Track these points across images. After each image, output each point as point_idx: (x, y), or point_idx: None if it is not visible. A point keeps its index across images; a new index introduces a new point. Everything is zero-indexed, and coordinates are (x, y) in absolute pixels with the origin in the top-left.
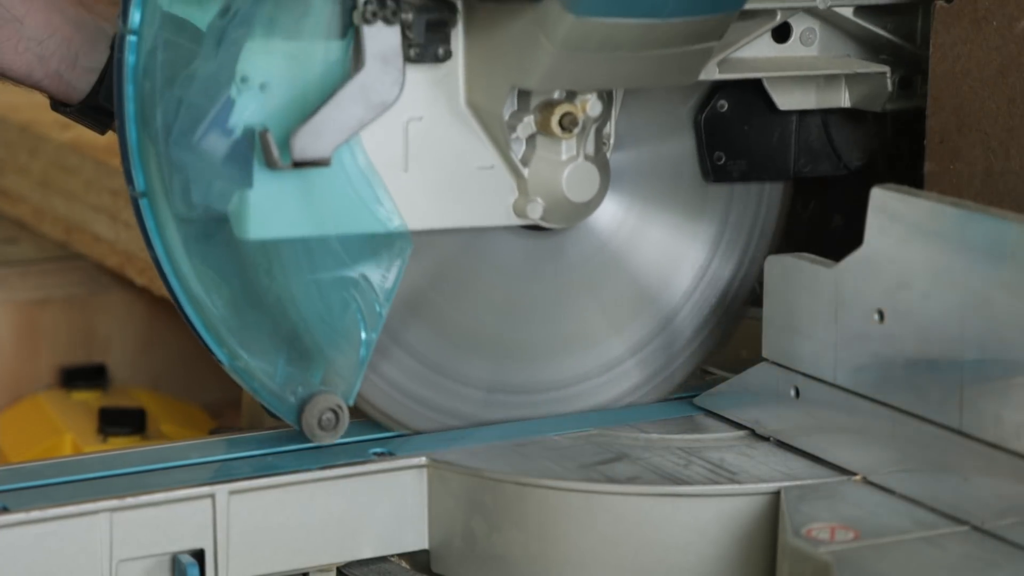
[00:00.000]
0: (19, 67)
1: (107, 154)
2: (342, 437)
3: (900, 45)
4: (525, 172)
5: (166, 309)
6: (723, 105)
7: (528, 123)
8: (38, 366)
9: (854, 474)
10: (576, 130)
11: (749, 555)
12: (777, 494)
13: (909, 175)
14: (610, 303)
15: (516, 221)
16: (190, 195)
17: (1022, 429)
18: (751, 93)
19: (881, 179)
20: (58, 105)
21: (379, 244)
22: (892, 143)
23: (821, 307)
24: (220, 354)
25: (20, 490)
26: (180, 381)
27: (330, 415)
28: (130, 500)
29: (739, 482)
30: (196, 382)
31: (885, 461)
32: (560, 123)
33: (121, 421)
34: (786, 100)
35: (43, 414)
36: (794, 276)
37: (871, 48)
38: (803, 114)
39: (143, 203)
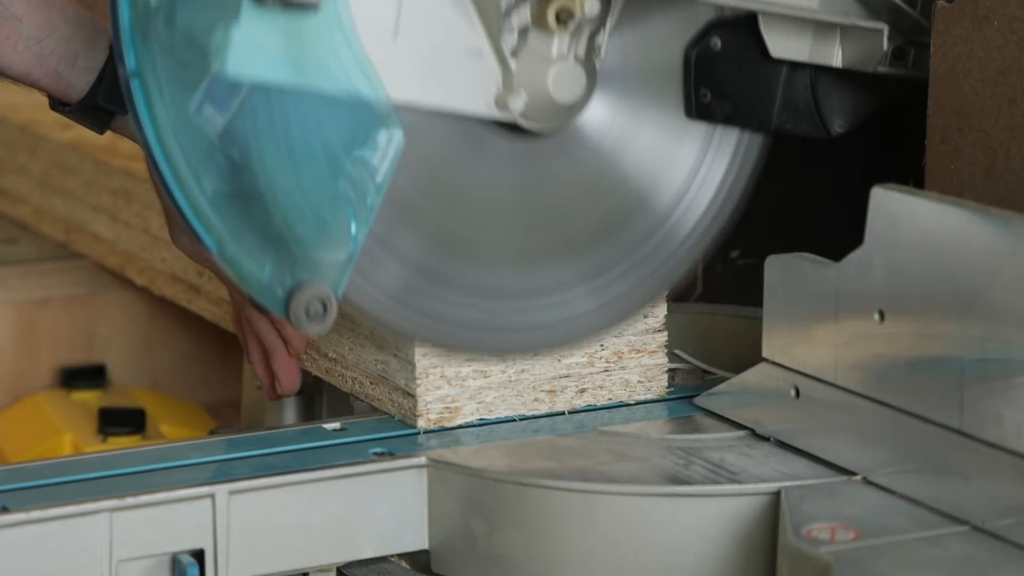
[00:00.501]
0: (18, 65)
1: (107, 154)
2: (343, 437)
3: (901, 8)
4: (512, 64)
5: (166, 309)
6: (716, 43)
7: (523, 13)
8: (38, 366)
9: (854, 474)
10: (571, 26)
11: (749, 555)
12: (777, 494)
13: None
14: (600, 205)
15: (496, 113)
16: (175, 19)
17: (1023, 429)
18: (745, 36)
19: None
20: (57, 104)
21: (371, 131)
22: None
23: (821, 307)
24: (208, 240)
25: (20, 490)
26: (180, 381)
27: (318, 305)
28: (130, 500)
29: (739, 482)
30: (196, 382)
31: (885, 461)
32: (556, 16)
33: (121, 421)
34: (780, 46)
35: (43, 414)
36: (794, 276)
37: (871, 10)
38: (793, 68)
39: (134, 84)
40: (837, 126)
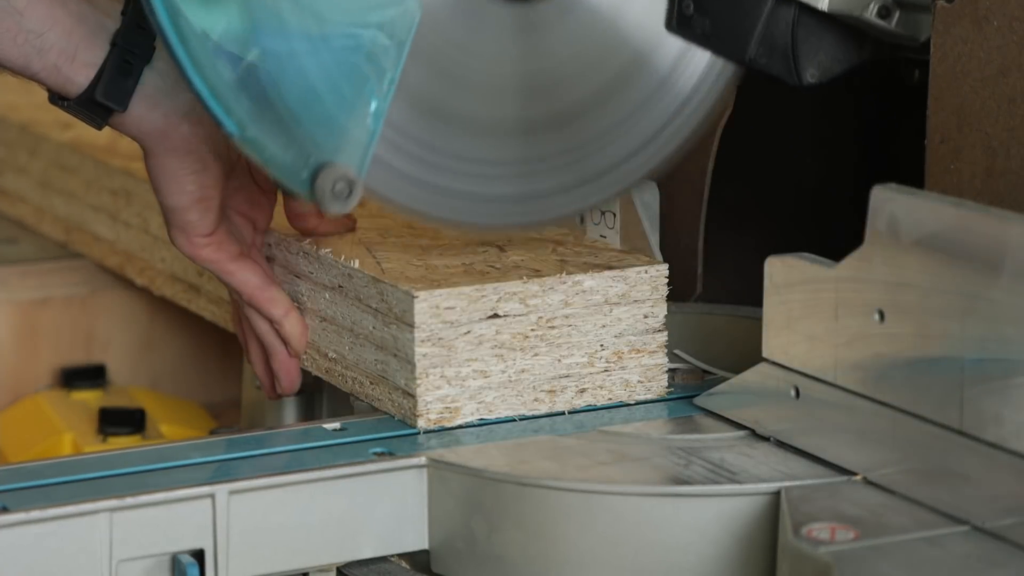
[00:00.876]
0: (16, 59)
1: (107, 154)
2: (343, 437)
3: None
4: None
5: (166, 309)
6: None
7: None
8: (38, 366)
9: (854, 474)
10: None
11: (749, 555)
12: (777, 494)
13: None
14: (602, 68)
15: None
16: None
17: (1023, 429)
18: None
19: None
20: (55, 98)
21: (385, 5)
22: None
23: (821, 307)
24: (229, 124)
25: (20, 490)
26: (180, 381)
27: (343, 184)
28: (130, 500)
29: (739, 482)
30: (196, 382)
31: (885, 461)
32: None
33: (121, 421)
34: None
35: (43, 414)
36: (794, 276)
37: None
38: (779, 1)
39: None
40: (809, 75)
